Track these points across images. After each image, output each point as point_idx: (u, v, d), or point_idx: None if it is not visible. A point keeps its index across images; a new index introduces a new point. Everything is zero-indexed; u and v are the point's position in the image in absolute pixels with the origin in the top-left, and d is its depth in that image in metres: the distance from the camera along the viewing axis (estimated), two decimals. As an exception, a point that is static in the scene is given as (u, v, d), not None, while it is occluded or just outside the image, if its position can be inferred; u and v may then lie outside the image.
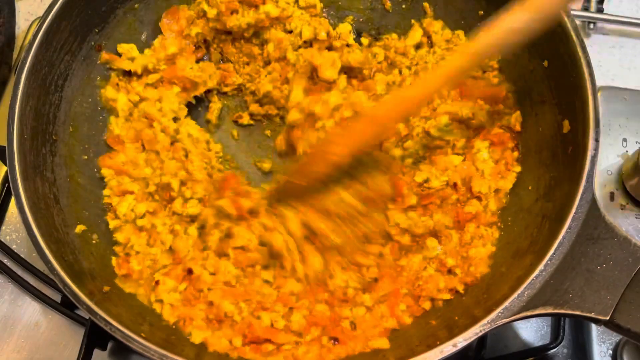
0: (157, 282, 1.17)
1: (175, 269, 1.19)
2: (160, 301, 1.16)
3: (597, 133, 1.08)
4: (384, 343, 1.13)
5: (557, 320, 1.31)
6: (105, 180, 1.27)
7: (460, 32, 1.38)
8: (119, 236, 1.22)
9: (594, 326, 1.29)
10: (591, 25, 1.60)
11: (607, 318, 0.99)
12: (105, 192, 1.26)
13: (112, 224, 1.23)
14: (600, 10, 1.61)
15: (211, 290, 1.17)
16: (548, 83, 1.22)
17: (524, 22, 1.01)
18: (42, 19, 1.18)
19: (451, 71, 1.09)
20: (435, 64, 1.33)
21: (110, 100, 1.31)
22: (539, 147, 1.24)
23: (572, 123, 1.14)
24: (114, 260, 1.20)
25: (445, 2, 1.39)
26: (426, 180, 1.27)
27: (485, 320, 1.00)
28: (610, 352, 1.28)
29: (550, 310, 1.00)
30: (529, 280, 1.02)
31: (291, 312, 1.17)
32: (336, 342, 1.14)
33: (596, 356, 1.28)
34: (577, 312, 1.00)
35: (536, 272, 1.02)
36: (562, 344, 1.29)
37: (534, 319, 1.34)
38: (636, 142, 1.45)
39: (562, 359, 1.32)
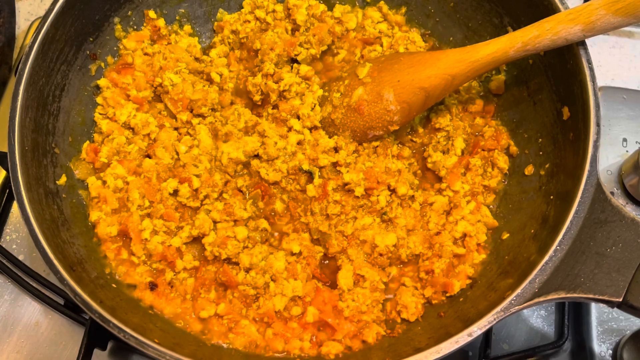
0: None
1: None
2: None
3: (598, 117, 1.08)
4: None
5: (560, 319, 1.31)
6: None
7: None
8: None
9: (594, 326, 1.30)
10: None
11: (620, 300, 0.99)
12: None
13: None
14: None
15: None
16: (545, 71, 1.23)
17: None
18: (37, 29, 1.17)
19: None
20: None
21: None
22: (539, 135, 1.25)
23: (571, 109, 1.15)
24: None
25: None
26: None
27: (498, 308, 1.00)
28: (610, 352, 1.28)
29: (562, 295, 1.01)
30: (539, 267, 1.02)
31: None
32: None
33: (596, 356, 1.28)
34: (590, 296, 1.00)
35: (546, 257, 1.02)
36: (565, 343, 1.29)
37: (536, 317, 1.34)
38: (636, 142, 1.46)
39: (563, 358, 1.32)
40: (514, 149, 1.29)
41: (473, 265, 1.21)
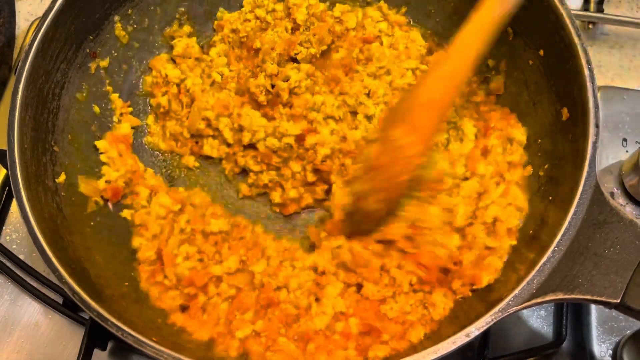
0: None
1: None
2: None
3: (597, 118, 1.09)
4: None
5: (559, 319, 1.31)
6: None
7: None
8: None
9: (594, 326, 1.30)
10: (591, 25, 1.60)
11: (618, 301, 0.99)
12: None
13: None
14: (600, 10, 1.61)
15: None
16: (544, 72, 1.23)
17: None
18: (38, 27, 1.17)
19: (485, 29, 1.11)
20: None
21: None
22: (538, 135, 1.24)
23: (570, 110, 1.15)
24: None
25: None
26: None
27: (496, 309, 1.00)
28: (610, 352, 1.28)
29: (560, 296, 1.01)
30: (537, 267, 1.02)
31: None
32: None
33: (596, 356, 1.28)
34: (588, 297, 1.00)
35: (544, 258, 1.02)
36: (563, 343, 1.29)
37: (536, 318, 1.34)
38: (636, 142, 1.46)
39: (563, 358, 1.32)
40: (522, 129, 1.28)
41: (501, 256, 1.18)
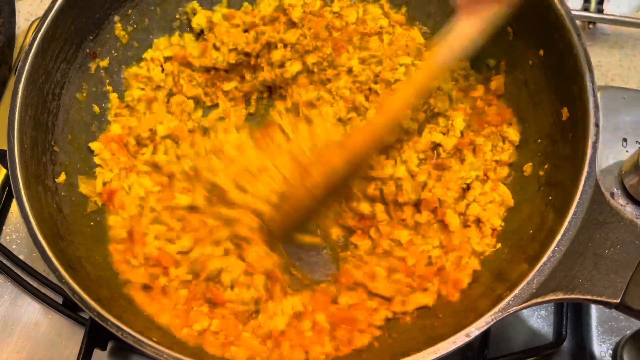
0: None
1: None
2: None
3: (597, 118, 1.08)
4: None
5: (559, 320, 1.31)
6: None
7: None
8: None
9: (594, 326, 1.29)
10: (591, 26, 1.60)
11: (618, 301, 0.99)
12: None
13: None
14: (600, 10, 1.61)
15: None
16: (544, 72, 1.22)
17: (476, 30, 1.07)
18: (38, 27, 1.17)
19: (415, 90, 1.13)
20: (397, 86, 1.31)
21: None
22: (538, 135, 1.24)
23: (570, 110, 1.15)
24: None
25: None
26: (438, 144, 1.31)
27: (496, 309, 1.00)
28: (610, 352, 1.28)
29: (560, 295, 1.00)
30: (537, 267, 1.02)
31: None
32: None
33: (596, 356, 1.27)
34: (588, 297, 1.00)
35: (544, 258, 1.02)
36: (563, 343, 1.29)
37: (536, 318, 1.34)
38: (636, 142, 1.45)
39: (563, 358, 1.31)
40: (517, 126, 1.29)
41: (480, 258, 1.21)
